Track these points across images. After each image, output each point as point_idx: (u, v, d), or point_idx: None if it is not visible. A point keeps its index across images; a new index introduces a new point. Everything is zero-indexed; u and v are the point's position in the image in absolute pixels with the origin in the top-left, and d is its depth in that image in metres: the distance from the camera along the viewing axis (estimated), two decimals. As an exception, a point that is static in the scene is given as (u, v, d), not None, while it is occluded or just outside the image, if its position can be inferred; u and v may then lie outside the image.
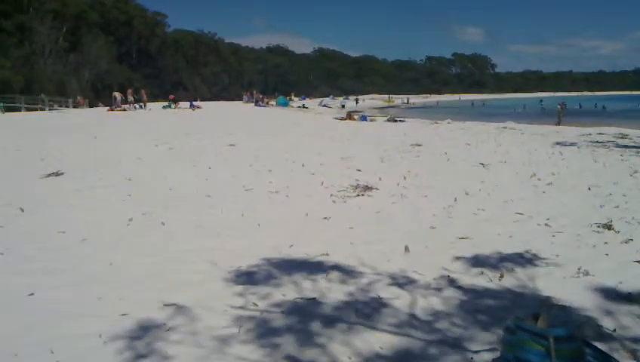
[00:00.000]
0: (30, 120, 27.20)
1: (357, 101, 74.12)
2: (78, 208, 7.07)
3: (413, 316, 3.75)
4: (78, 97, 47.78)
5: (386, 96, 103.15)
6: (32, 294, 4.15)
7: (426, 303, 3.97)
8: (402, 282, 4.40)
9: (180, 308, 3.89)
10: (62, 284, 4.37)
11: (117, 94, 37.15)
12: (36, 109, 41.08)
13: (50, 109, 40.50)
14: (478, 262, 4.89)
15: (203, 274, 4.63)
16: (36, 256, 5.09)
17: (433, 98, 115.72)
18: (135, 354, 3.23)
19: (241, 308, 3.93)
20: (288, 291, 4.22)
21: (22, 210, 6.80)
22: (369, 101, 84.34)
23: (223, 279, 4.52)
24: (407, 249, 5.19)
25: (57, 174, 9.24)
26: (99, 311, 3.87)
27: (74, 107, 39.51)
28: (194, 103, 41.52)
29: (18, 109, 40.53)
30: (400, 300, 4.03)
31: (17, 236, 5.77)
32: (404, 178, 9.12)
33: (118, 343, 3.36)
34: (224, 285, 4.38)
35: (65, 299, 4.08)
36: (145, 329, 3.55)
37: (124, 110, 34.21)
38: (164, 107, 39.01)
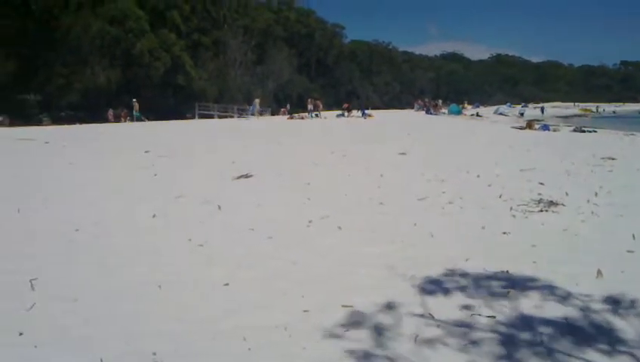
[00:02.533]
0: (222, 126, 30.21)
1: (542, 110, 67.99)
2: (264, 208, 7.68)
3: (610, 346, 3.40)
4: (283, 109, 50.94)
5: (571, 103, 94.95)
6: (227, 284, 4.61)
7: (627, 333, 3.57)
8: (593, 308, 4.01)
9: (357, 311, 4.01)
10: (252, 277, 4.78)
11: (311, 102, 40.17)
12: (226, 116, 45.59)
13: (238, 116, 44.59)
14: (689, 294, 4.26)
15: (379, 279, 4.72)
16: (230, 250, 5.64)
17: (628, 107, 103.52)
18: (318, 350, 3.41)
19: (420, 316, 3.92)
20: (465, 306, 4.11)
21: (219, 208, 7.58)
22: (550, 109, 78.36)
23: (398, 286, 4.55)
24: (599, 273, 4.72)
25: (247, 176, 10.13)
26: (284, 305, 4.16)
27: (260, 115, 43.05)
28: (366, 112, 42.51)
29: (211, 116, 45.45)
30: (592, 328, 3.68)
31: (215, 231, 6.46)
32: (596, 194, 8.31)
33: (302, 338, 3.57)
34: (400, 292, 4.41)
35: (254, 291, 4.46)
36: (325, 328, 3.72)
37: (302, 118, 36.32)
38: (338, 116, 40.62)
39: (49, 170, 11.40)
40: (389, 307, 4.09)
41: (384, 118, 37.27)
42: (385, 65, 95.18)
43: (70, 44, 42.11)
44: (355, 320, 3.87)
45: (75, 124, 33.71)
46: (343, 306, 4.10)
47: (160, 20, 49.50)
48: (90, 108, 40.72)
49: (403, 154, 13.90)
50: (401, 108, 63.89)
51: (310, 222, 6.77)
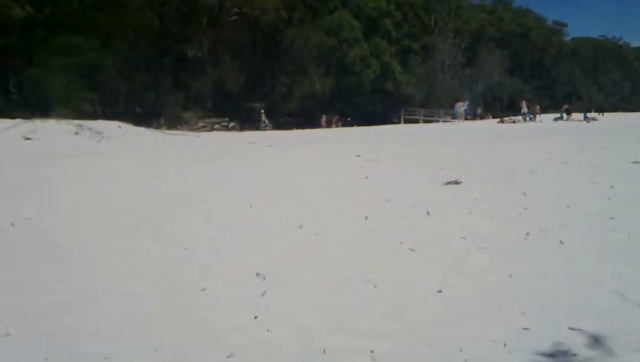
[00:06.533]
0: (427, 130, 30.14)
1: None
2: (475, 216, 7.44)
3: None
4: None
5: None
6: (441, 291, 4.58)
7: None
8: None
9: (586, 335, 3.67)
10: (466, 287, 4.69)
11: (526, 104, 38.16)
12: (431, 121, 45.41)
13: (443, 121, 44.06)
14: None
15: (611, 304, 4.27)
16: (442, 257, 5.60)
17: None
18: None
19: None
20: None
21: (428, 213, 7.58)
22: None
23: (633, 312, 4.04)
24: None
25: (456, 183, 9.93)
26: (502, 320, 4.00)
27: (465, 118, 41.95)
28: (588, 115, 38.48)
29: (416, 121, 45.75)
30: None
31: (425, 236, 6.48)
32: None
33: (522, 356, 3.39)
34: (637, 319, 3.92)
35: (469, 302, 4.36)
36: (548, 350, 3.48)
37: (514, 122, 34.41)
38: (555, 119, 37.58)
39: (273, 171, 12.63)
40: (624, 335, 3.64)
41: (612, 122, 33.26)
42: (613, 63, 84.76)
43: (292, 55, 46.14)
44: (583, 347, 3.54)
45: (292, 129, 36.87)
46: (570, 329, 3.78)
47: (372, 29, 51.31)
48: (306, 115, 44.05)
49: (637, 163, 12.23)
50: (631, 111, 56.19)
51: (527, 234, 6.37)
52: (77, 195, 9.44)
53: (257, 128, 37.44)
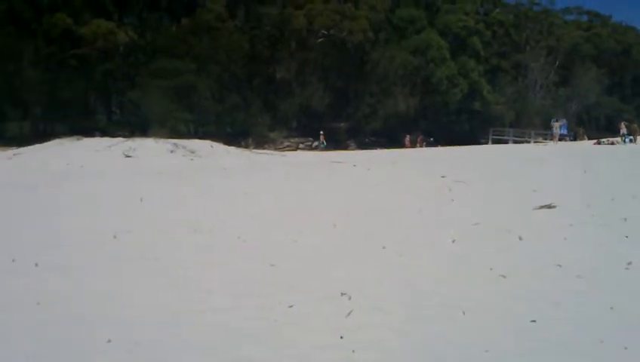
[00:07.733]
0: (516, 151, 29.03)
1: None
2: (571, 243, 7.07)
3: None
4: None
5: None
6: (534, 321, 4.37)
7: None
8: None
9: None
10: (562, 317, 4.46)
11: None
12: (522, 141, 43.68)
13: (535, 142, 42.24)
14: None
15: None
16: (536, 284, 5.36)
17: None
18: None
19: None
20: None
21: (520, 238, 7.29)
22: None
23: None
24: None
25: (549, 207, 9.49)
26: (602, 354, 3.79)
27: (559, 139, 39.86)
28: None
29: (505, 141, 44.19)
30: None
31: (517, 262, 6.23)
32: None
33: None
34: None
35: (566, 334, 4.14)
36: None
37: (612, 144, 32.37)
38: (656, 141, 34.96)
39: (356, 191, 12.68)
40: None
41: None
42: None
43: (377, 75, 46.36)
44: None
45: (375, 148, 36.91)
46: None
47: (460, 47, 50.53)
48: (390, 134, 43.93)
49: None
50: None
51: (629, 263, 5.96)
52: (173, 210, 9.98)
53: (344, 148, 37.83)
